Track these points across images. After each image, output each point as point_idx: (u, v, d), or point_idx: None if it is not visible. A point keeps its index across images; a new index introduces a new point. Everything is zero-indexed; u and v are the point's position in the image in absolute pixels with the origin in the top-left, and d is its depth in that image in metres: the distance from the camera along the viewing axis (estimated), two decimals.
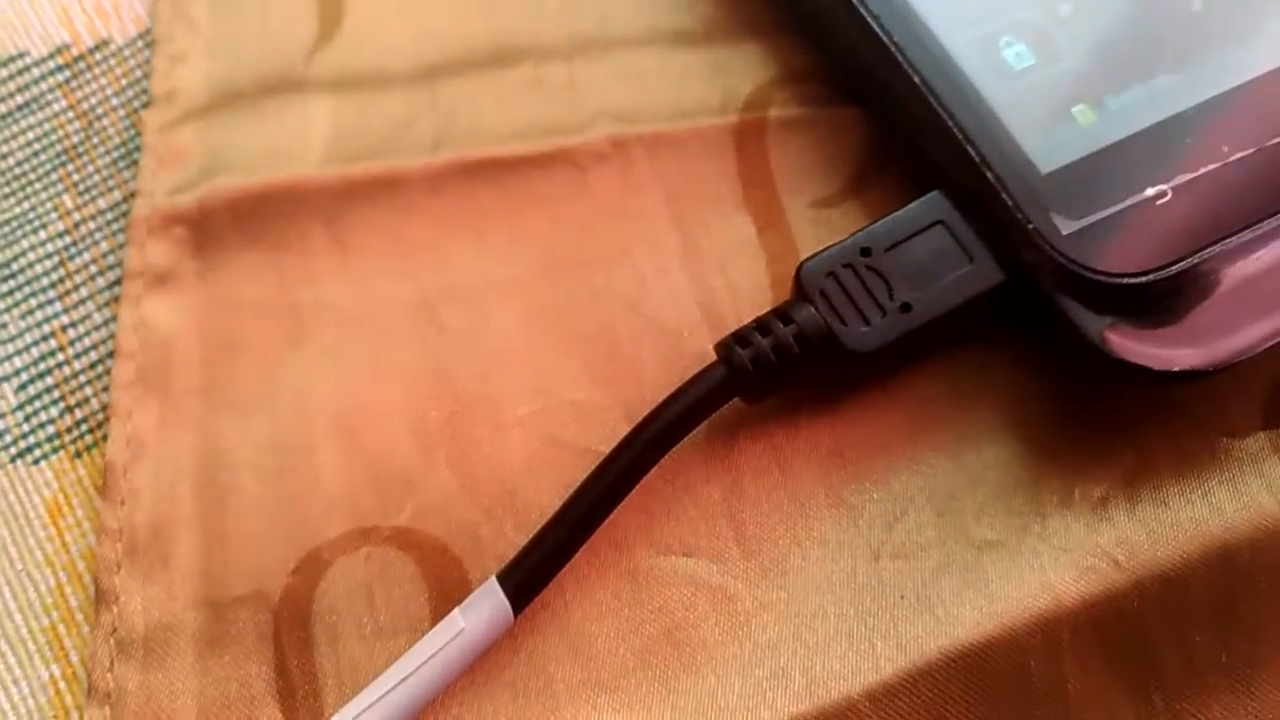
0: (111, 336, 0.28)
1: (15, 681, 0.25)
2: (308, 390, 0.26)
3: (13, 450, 0.27)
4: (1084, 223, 0.24)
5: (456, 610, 0.23)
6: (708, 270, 0.27)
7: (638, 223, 0.28)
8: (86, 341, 0.28)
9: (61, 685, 0.25)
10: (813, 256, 0.25)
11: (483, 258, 0.28)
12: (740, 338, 0.24)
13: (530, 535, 0.24)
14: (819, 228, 0.27)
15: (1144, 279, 0.23)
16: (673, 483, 0.25)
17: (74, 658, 0.25)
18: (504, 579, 0.23)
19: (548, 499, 0.25)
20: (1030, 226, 0.24)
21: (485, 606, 0.23)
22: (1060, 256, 0.23)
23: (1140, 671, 0.23)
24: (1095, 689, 0.23)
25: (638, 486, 0.24)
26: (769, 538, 0.24)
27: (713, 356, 0.25)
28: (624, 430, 0.24)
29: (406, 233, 0.28)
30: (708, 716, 0.23)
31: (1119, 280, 0.23)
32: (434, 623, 0.24)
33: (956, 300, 0.24)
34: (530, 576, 0.23)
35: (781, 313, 0.24)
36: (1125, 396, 0.25)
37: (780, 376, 0.24)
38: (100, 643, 0.24)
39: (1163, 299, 0.23)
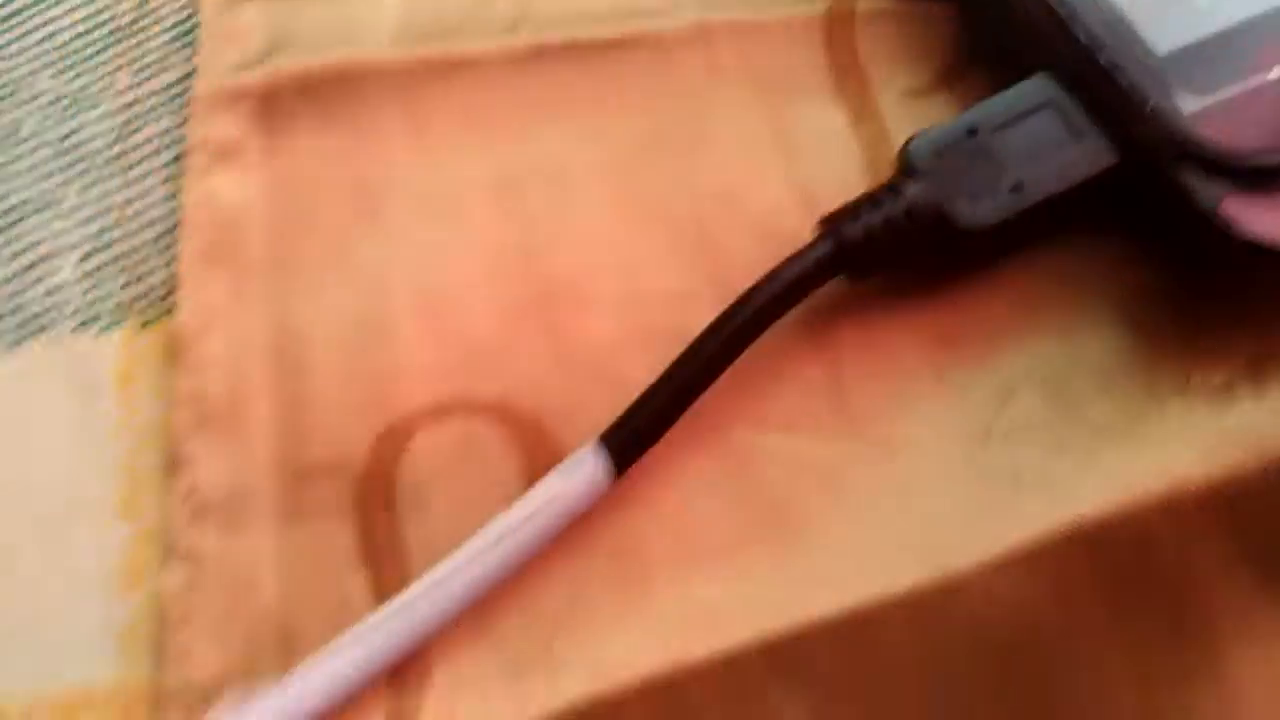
0: (174, 212, 0.27)
1: (88, 545, 0.24)
2: (386, 267, 0.26)
3: (75, 320, 0.26)
4: (1204, 103, 0.23)
5: (555, 471, 0.22)
6: (799, 159, 0.26)
7: (725, 110, 0.27)
8: (148, 216, 0.27)
9: (137, 547, 0.24)
10: (919, 135, 0.24)
11: (565, 140, 0.27)
12: (849, 211, 0.24)
13: (622, 408, 0.23)
14: (912, 118, 0.27)
15: (1265, 158, 0.23)
16: (772, 362, 0.24)
17: (148, 522, 0.24)
18: (605, 440, 0.23)
19: (641, 376, 0.24)
20: (1149, 107, 0.23)
21: (584, 469, 0.23)
22: (1181, 136, 0.23)
23: (1267, 553, 0.23)
24: (1221, 569, 0.22)
25: (735, 365, 0.24)
26: (874, 417, 0.24)
27: (806, 240, 0.24)
28: (715, 315, 0.24)
29: (485, 112, 0.27)
30: (818, 591, 0.22)
31: (1240, 159, 0.23)
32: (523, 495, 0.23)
33: (1068, 181, 0.24)
34: (632, 439, 0.23)
35: (891, 188, 0.24)
36: (1244, 282, 0.24)
37: (888, 254, 0.24)
38: (176, 507, 0.24)
39: None
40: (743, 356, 0.24)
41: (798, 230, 0.25)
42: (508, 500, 0.23)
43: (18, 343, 0.26)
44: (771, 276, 0.23)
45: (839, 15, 0.28)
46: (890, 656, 0.22)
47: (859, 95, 0.27)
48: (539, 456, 0.24)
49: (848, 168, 0.26)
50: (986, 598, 0.22)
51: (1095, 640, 0.22)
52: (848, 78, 0.27)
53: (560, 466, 0.23)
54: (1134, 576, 0.22)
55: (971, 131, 0.24)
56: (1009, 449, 0.23)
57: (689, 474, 0.24)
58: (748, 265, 0.25)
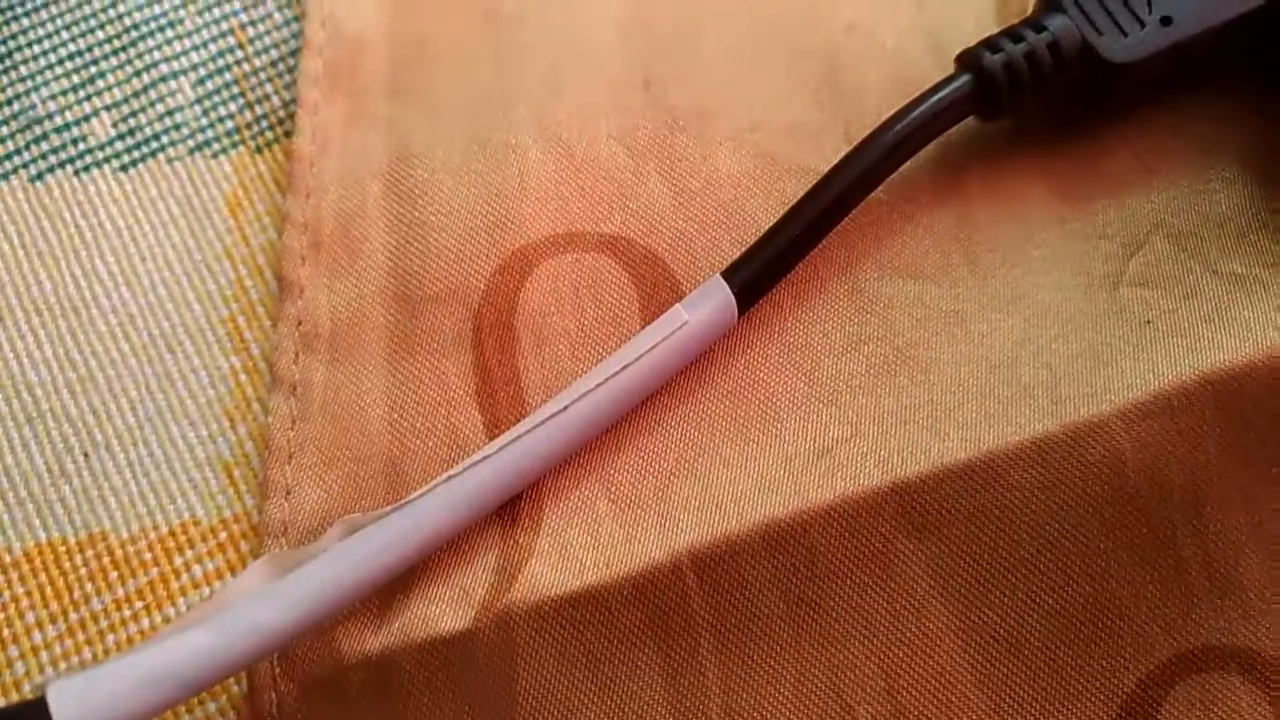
0: (294, 37, 0.26)
1: (195, 371, 0.24)
2: (508, 96, 0.25)
3: (191, 143, 0.26)
4: None
5: (680, 304, 0.22)
6: (931, 1, 0.26)
7: None
8: (267, 40, 0.27)
9: (242, 377, 0.24)
10: None
11: None
12: (990, 44, 0.23)
13: (742, 247, 0.23)
14: None
15: None
16: (899, 205, 0.24)
17: (254, 350, 0.24)
18: (730, 275, 0.22)
19: (764, 214, 0.24)
20: None
21: (710, 301, 0.22)
22: None
23: None
24: None
25: (862, 208, 0.23)
26: (1001, 264, 0.23)
27: (936, 79, 0.23)
28: (843, 151, 0.23)
29: None
30: (946, 432, 0.22)
31: None
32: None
33: (1218, 18, 0.23)
34: (757, 274, 0.22)
35: (1033, 21, 0.23)
36: None
37: (1028, 88, 0.23)
38: (285, 334, 0.23)
39: None
40: (870, 198, 0.23)
41: (927, 70, 0.25)
42: (625, 338, 0.23)
43: (133, 164, 0.25)
44: (906, 111, 0.23)
45: None
46: (1016, 501, 0.21)
47: None
48: (659, 293, 0.23)
49: (980, 11, 0.26)
50: (1114, 446, 0.21)
51: (1225, 492, 0.21)
52: None
53: (687, 299, 0.22)
54: (1268, 428, 0.21)
55: None
56: (1139, 295, 0.23)
57: (814, 316, 0.23)
58: (876, 102, 0.25)
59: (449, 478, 0.21)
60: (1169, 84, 0.24)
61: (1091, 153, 0.24)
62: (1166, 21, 0.23)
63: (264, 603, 0.19)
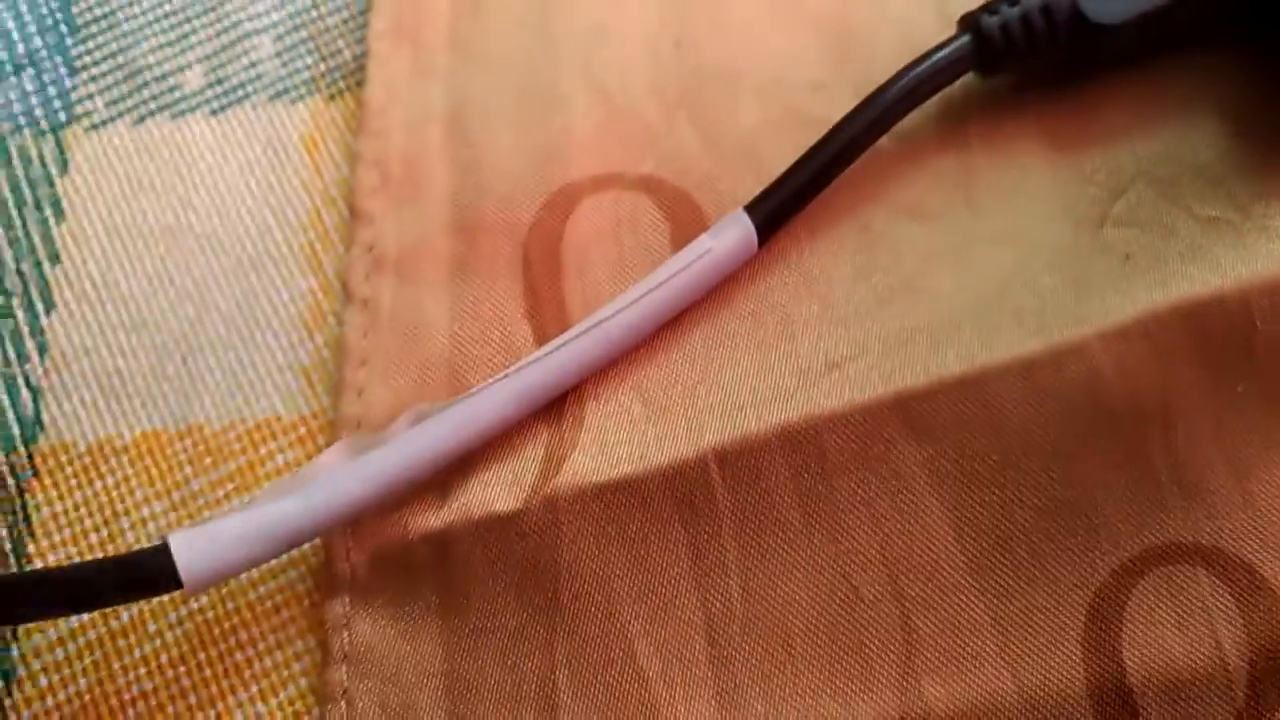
0: None
1: (277, 289, 0.26)
2: (555, 49, 0.28)
3: (271, 91, 0.28)
4: None
5: (705, 234, 0.24)
6: None
7: None
8: (338, 1, 0.29)
9: (319, 295, 0.26)
10: None
11: None
12: (988, 7, 0.25)
13: (771, 182, 0.25)
14: None
15: None
16: (906, 151, 0.26)
17: (329, 272, 0.26)
18: (751, 209, 0.24)
19: (784, 158, 0.25)
20: None
21: (733, 231, 0.24)
22: None
23: None
24: None
25: (872, 154, 0.25)
26: (999, 204, 0.25)
27: None
28: (853, 105, 0.25)
29: None
30: (944, 351, 0.24)
31: None
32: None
33: None
34: (776, 209, 0.25)
35: None
36: None
37: (1023, 48, 0.25)
38: (357, 257, 0.26)
39: None
40: (878, 144, 0.25)
41: (931, 31, 0.27)
42: (659, 263, 0.25)
43: (222, 109, 0.28)
44: (912, 65, 0.25)
45: None
46: (1005, 413, 0.23)
47: None
48: (688, 227, 0.26)
49: None
50: (1093, 364, 0.23)
51: (1192, 407, 0.23)
52: None
53: (711, 229, 0.24)
54: (1232, 352, 0.23)
55: None
56: (1121, 233, 0.25)
57: (828, 249, 0.25)
58: (886, 61, 0.26)
59: (504, 376, 0.23)
60: (1152, 45, 0.26)
61: (1083, 106, 0.26)
62: None
63: (343, 476, 0.22)
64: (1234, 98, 0.26)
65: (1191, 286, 0.23)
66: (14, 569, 0.24)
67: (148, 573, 0.21)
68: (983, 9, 0.25)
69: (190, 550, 0.20)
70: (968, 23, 0.25)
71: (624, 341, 0.24)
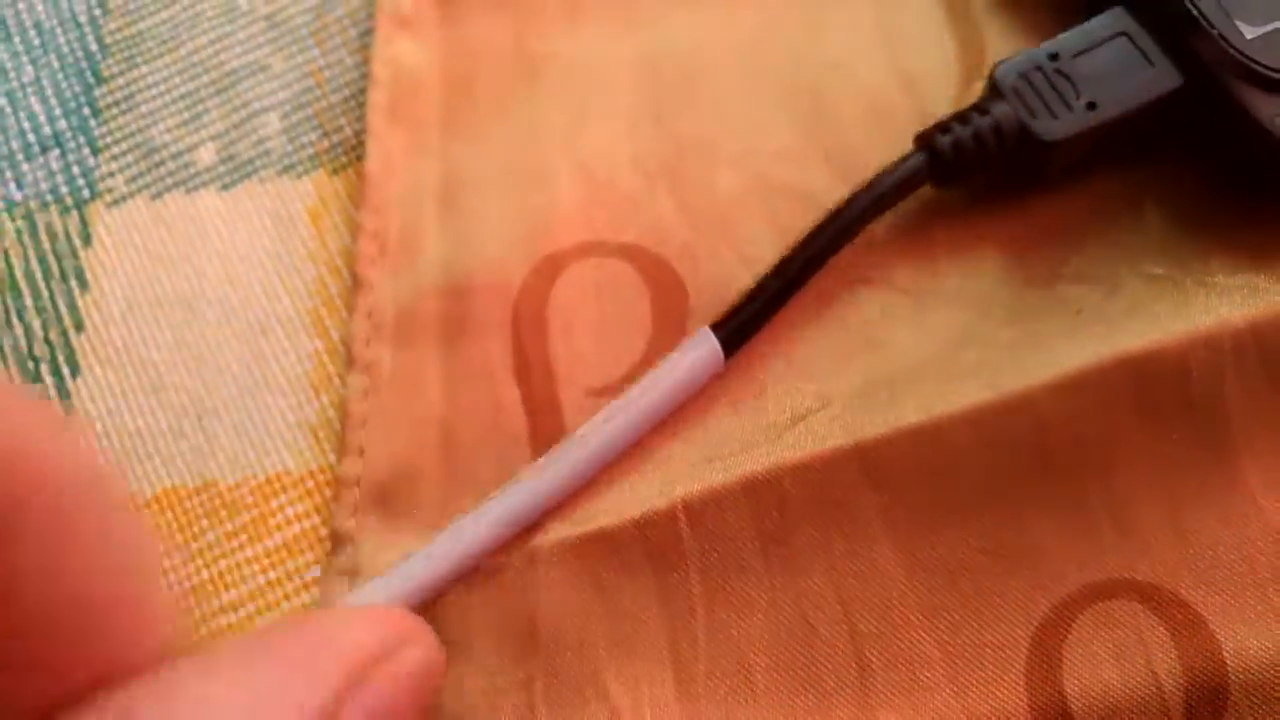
0: (362, 77, 0.31)
1: (285, 352, 0.28)
2: (540, 126, 0.29)
3: (278, 166, 0.30)
4: (1266, 28, 0.26)
5: (675, 352, 0.26)
6: (901, 47, 0.30)
7: (838, 2, 0.30)
8: (340, 80, 0.31)
9: (324, 357, 0.28)
10: (1006, 60, 0.27)
11: (697, 24, 0.30)
12: (941, 127, 0.26)
13: (738, 254, 0.27)
14: (1001, 20, 0.30)
15: None
16: (867, 243, 0.27)
17: (334, 335, 0.28)
18: (717, 329, 0.26)
19: (756, 226, 0.27)
20: (1215, 32, 0.26)
21: (701, 351, 0.26)
22: (1243, 58, 0.26)
23: None
24: (1252, 399, 0.25)
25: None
26: (956, 270, 0.27)
27: (905, 114, 0.28)
28: (826, 173, 0.28)
29: (631, 2, 0.31)
30: (903, 403, 0.25)
31: None
32: (654, 324, 0.27)
33: (1138, 101, 0.26)
34: (740, 326, 0.26)
35: (978, 107, 0.27)
36: None
37: (974, 164, 0.26)
38: (359, 322, 0.28)
39: None
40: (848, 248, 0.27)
41: (896, 103, 0.29)
42: (639, 330, 0.27)
43: (232, 184, 0.30)
44: (871, 184, 0.26)
45: None
46: (957, 461, 0.25)
47: None
48: (668, 291, 0.27)
49: (943, 55, 0.30)
50: (1040, 413, 0.25)
51: (1131, 452, 0.24)
52: None
53: (680, 347, 0.26)
54: (1169, 402, 0.25)
55: (1053, 56, 0.27)
56: (1073, 291, 0.26)
57: (797, 311, 0.27)
58: (854, 128, 0.28)
59: (474, 513, 0.24)
60: (1099, 157, 0.27)
61: (1035, 211, 0.28)
62: (1092, 106, 0.26)
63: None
64: (1175, 193, 0.27)
65: (1134, 341, 0.25)
66: None
67: None
68: (936, 128, 0.26)
69: None
70: (923, 140, 0.26)
71: (595, 464, 0.25)
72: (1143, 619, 0.24)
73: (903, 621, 0.24)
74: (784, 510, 0.25)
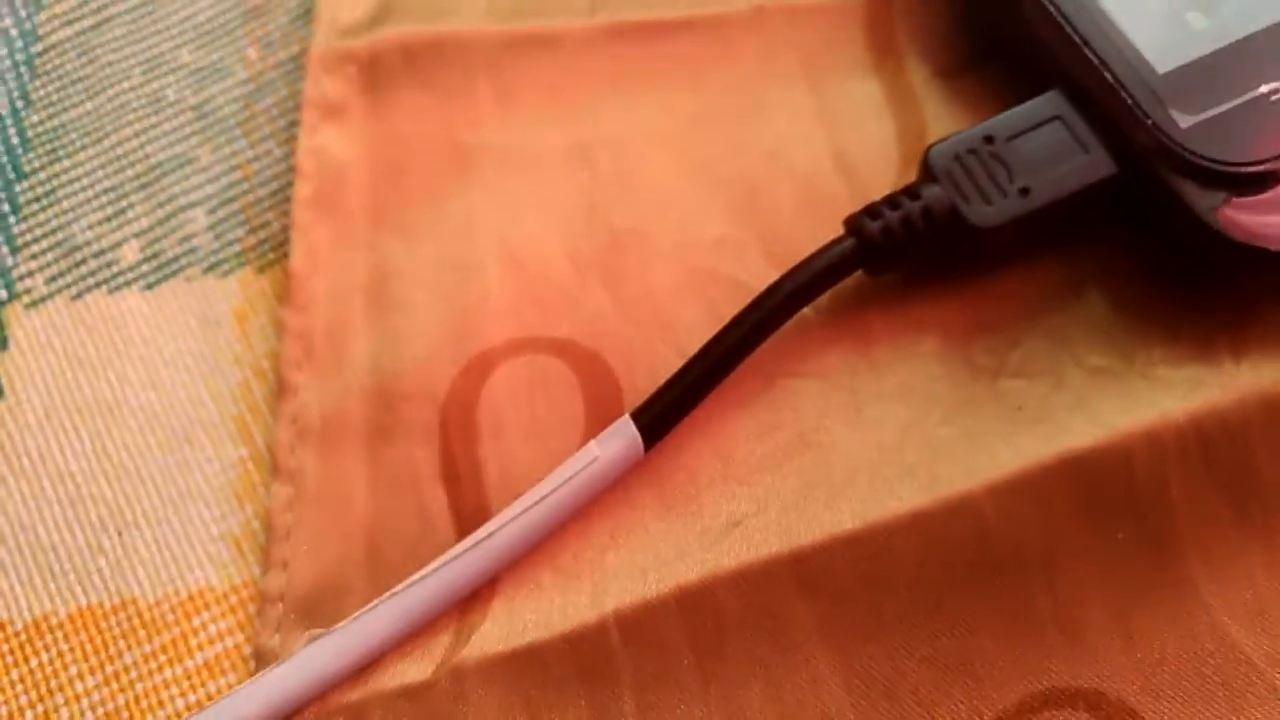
0: (290, 169, 0.30)
1: (209, 460, 0.27)
2: (472, 218, 0.29)
3: (204, 264, 0.30)
4: (1201, 117, 0.25)
5: (593, 441, 0.25)
6: (839, 128, 0.29)
7: (776, 84, 0.30)
8: (268, 174, 0.31)
9: (249, 465, 0.27)
10: (940, 141, 0.27)
11: (633, 112, 0.30)
12: (870, 212, 0.26)
13: (674, 347, 0.27)
14: (940, 96, 0.29)
15: (1257, 167, 0.25)
16: (802, 332, 0.27)
17: (259, 442, 0.28)
18: (637, 416, 0.25)
19: (692, 318, 0.27)
20: (1149, 121, 0.25)
21: (617, 441, 0.25)
22: (1179, 148, 0.25)
23: (1240, 482, 0.25)
24: (1196, 496, 0.25)
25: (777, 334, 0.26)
26: (894, 364, 0.27)
27: (844, 199, 0.27)
28: (763, 262, 0.27)
29: (564, 87, 0.30)
30: (839, 507, 0.25)
31: (1234, 169, 0.25)
32: (588, 423, 0.26)
33: (1071, 187, 0.26)
34: (660, 416, 0.26)
35: (910, 190, 0.26)
36: (1227, 267, 0.26)
37: (905, 249, 0.26)
38: (283, 429, 0.27)
39: (1274, 185, 0.25)
40: (781, 330, 0.26)
41: (835, 189, 0.28)
42: (572, 429, 0.26)
43: (156, 283, 0.29)
44: (797, 270, 0.26)
45: (880, 1, 0.31)
46: (895, 565, 0.24)
47: (895, 74, 0.30)
48: (601, 387, 0.27)
49: (882, 137, 0.29)
50: (980, 515, 0.24)
51: (1076, 553, 0.24)
52: (885, 58, 0.30)
53: (599, 437, 0.25)
54: (1114, 500, 0.24)
55: (988, 139, 0.27)
56: (1014, 386, 0.26)
57: (732, 407, 0.26)
58: (790, 216, 0.28)
59: (388, 596, 0.24)
60: (1033, 241, 0.27)
61: (975, 291, 0.27)
62: (1025, 192, 0.26)
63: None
64: (1118, 276, 0.27)
65: (1076, 439, 0.24)
66: None
67: None
68: (865, 212, 0.26)
69: None
70: (852, 225, 0.26)
71: (510, 553, 0.25)
72: None
73: None
74: (718, 622, 0.24)
